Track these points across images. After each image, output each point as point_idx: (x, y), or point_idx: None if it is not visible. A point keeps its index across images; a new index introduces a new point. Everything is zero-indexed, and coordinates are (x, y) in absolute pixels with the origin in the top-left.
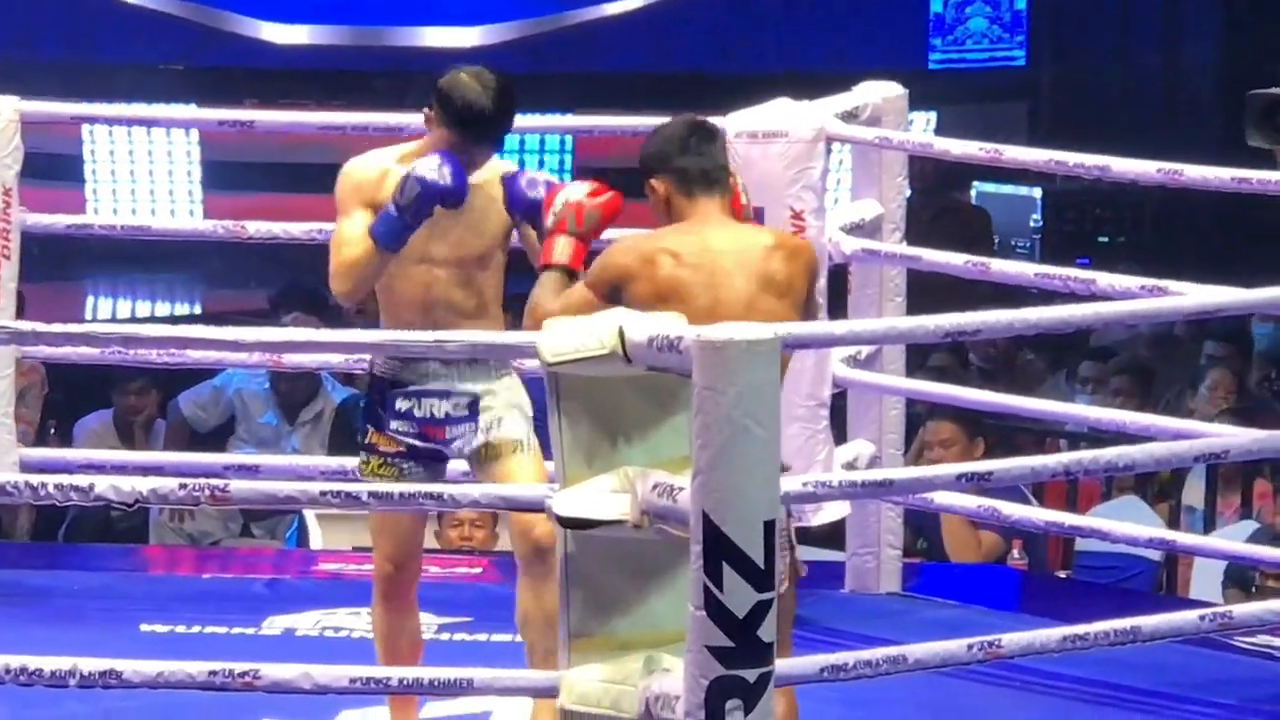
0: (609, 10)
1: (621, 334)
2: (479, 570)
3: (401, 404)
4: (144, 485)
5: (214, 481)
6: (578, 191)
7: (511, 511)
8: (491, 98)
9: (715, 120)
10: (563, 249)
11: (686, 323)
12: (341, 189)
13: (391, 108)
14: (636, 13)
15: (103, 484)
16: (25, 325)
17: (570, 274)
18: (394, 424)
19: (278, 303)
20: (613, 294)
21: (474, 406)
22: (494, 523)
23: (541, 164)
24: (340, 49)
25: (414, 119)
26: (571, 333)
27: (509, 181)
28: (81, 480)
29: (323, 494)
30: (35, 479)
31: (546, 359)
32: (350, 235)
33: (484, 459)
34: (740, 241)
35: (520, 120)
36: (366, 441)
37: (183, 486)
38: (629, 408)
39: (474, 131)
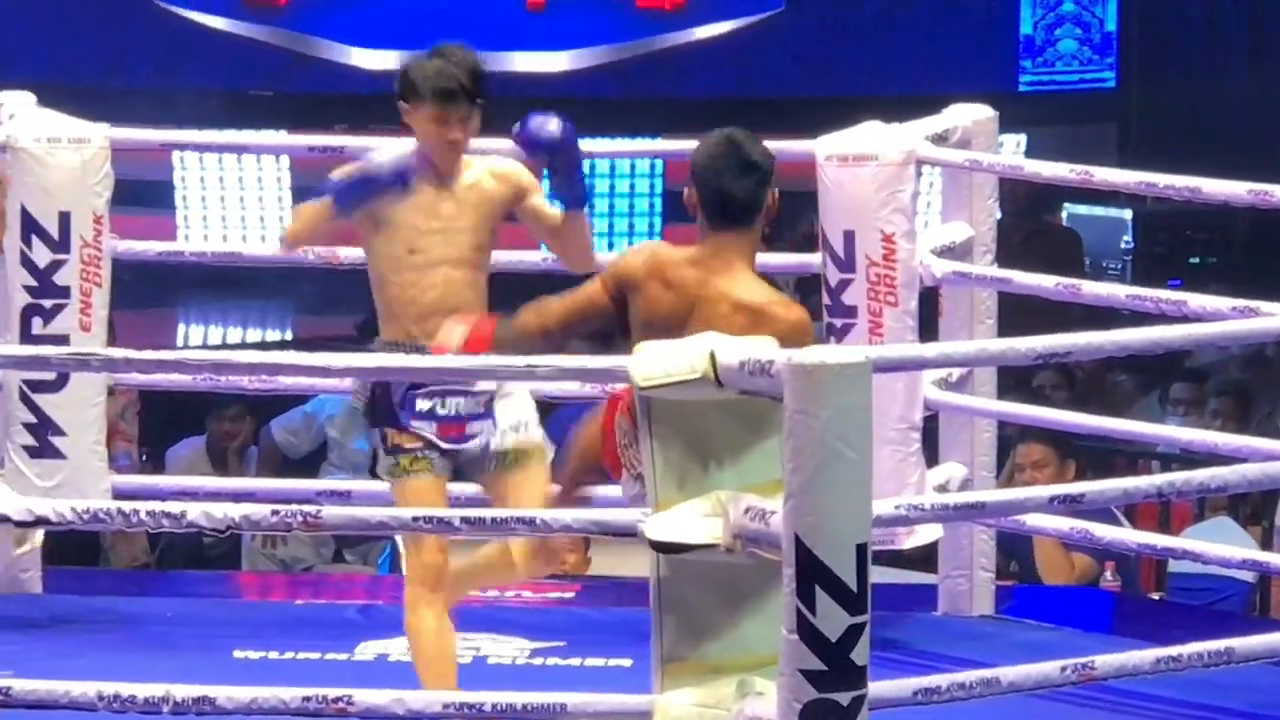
0: (698, 34)
1: (713, 358)
2: (571, 595)
3: (423, 404)
4: (236, 512)
5: (306, 508)
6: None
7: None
8: (453, 60)
9: (805, 144)
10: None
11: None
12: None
13: (480, 132)
14: (725, 37)
15: (195, 511)
16: (118, 353)
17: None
18: (415, 424)
19: (366, 329)
20: (618, 293)
21: (490, 403)
22: (586, 547)
23: (633, 188)
24: None
25: (502, 143)
26: (662, 357)
27: (522, 126)
28: (174, 507)
29: (415, 519)
30: (128, 506)
31: (638, 383)
32: (310, 209)
33: (511, 463)
34: (721, 290)
35: (610, 145)
36: (390, 445)
37: (275, 513)
38: (720, 431)
39: (454, 96)
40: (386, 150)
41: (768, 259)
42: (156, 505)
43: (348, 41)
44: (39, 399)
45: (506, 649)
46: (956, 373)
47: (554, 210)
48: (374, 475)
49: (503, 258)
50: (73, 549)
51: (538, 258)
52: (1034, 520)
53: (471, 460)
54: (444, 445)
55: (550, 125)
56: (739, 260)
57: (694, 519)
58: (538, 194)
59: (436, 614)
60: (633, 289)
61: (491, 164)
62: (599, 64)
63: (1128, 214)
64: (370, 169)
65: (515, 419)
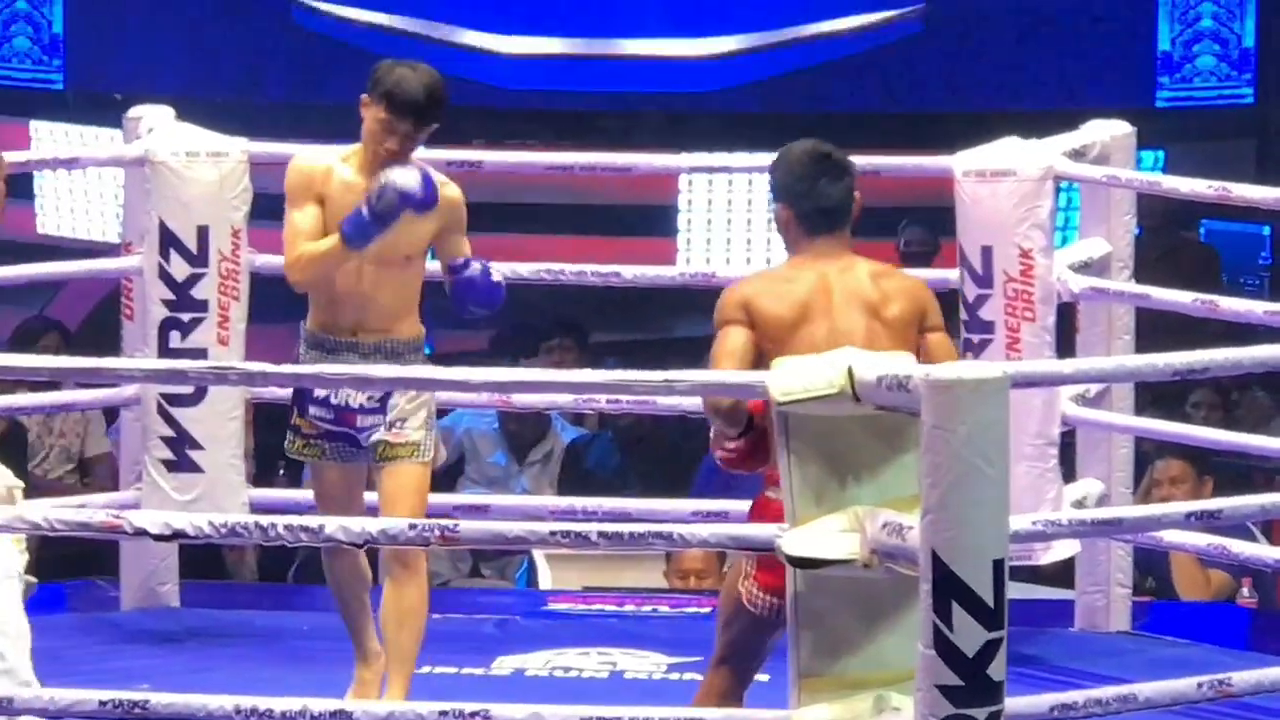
0: (839, 25)
1: (850, 373)
2: (709, 609)
3: (320, 391)
4: (373, 526)
5: (444, 522)
6: None
7: None
8: (421, 79)
9: (943, 160)
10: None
11: (809, 344)
12: (291, 182)
13: (619, 147)
14: (865, 53)
15: (332, 525)
16: (255, 366)
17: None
18: (312, 410)
19: (500, 343)
20: (748, 316)
21: (385, 400)
22: (722, 563)
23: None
24: (570, 94)
25: (641, 158)
26: (800, 372)
27: (465, 285)
28: (311, 521)
29: (552, 534)
30: (265, 520)
31: (776, 399)
32: (305, 226)
33: (380, 457)
34: (851, 272)
35: (752, 159)
36: (292, 422)
37: (412, 527)
38: (858, 446)
39: (401, 108)
40: (408, 177)
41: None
42: (294, 519)
43: (482, 29)
44: (177, 413)
45: (643, 664)
46: (1094, 388)
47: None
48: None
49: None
50: (197, 562)
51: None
52: (1171, 536)
53: (349, 450)
54: (336, 431)
55: (498, 293)
56: (845, 255)
57: (831, 534)
58: (460, 236)
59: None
60: (754, 300)
61: (440, 179)
62: (735, 50)
63: (1265, 230)
64: (407, 200)
65: (397, 415)
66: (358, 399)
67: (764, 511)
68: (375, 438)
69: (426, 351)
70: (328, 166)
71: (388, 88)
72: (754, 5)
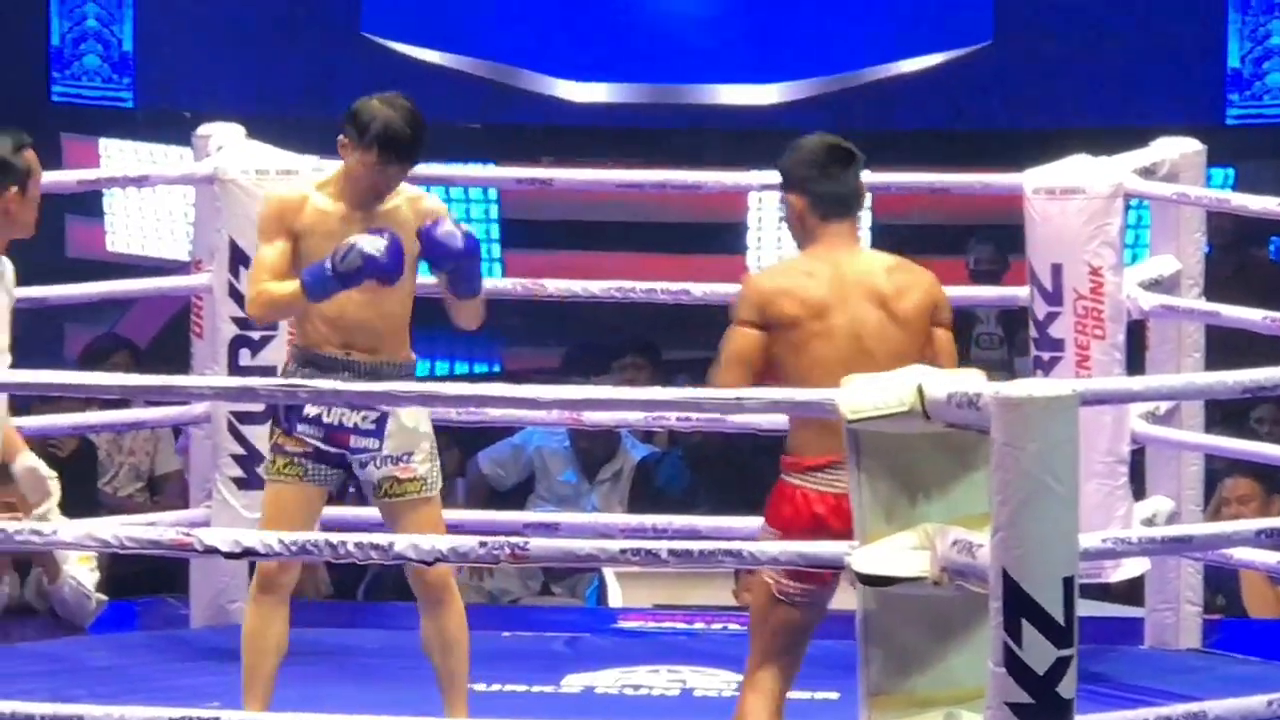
0: (905, 68)
1: (920, 391)
2: None
3: (311, 409)
4: (444, 544)
5: (514, 539)
6: None
7: None
8: (406, 120)
9: (1012, 177)
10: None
11: (825, 340)
12: (264, 215)
13: (689, 165)
14: (933, 70)
15: (402, 543)
16: (326, 384)
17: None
18: (301, 427)
19: (571, 361)
20: (761, 318)
21: (381, 422)
22: None
23: None
24: (637, 106)
25: (710, 176)
26: (870, 389)
27: (426, 233)
28: (381, 539)
29: (623, 552)
30: (335, 537)
31: (846, 416)
32: (270, 262)
33: (388, 494)
34: (867, 264)
35: None
36: (273, 442)
37: (482, 545)
38: (928, 464)
39: (390, 153)
40: (376, 245)
41: (976, 292)
42: (364, 537)
43: (556, 74)
44: (247, 431)
45: (713, 681)
46: (1164, 406)
47: None
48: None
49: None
50: None
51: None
52: (1241, 554)
53: (363, 482)
54: (326, 450)
55: (455, 240)
56: (857, 245)
57: (901, 552)
58: None
59: (260, 605)
60: (771, 301)
61: (411, 194)
62: (807, 96)
63: None
64: (370, 268)
65: (401, 448)
66: (353, 419)
67: (782, 497)
68: (382, 473)
69: (496, 369)
70: (302, 197)
71: (376, 134)
72: (821, 49)
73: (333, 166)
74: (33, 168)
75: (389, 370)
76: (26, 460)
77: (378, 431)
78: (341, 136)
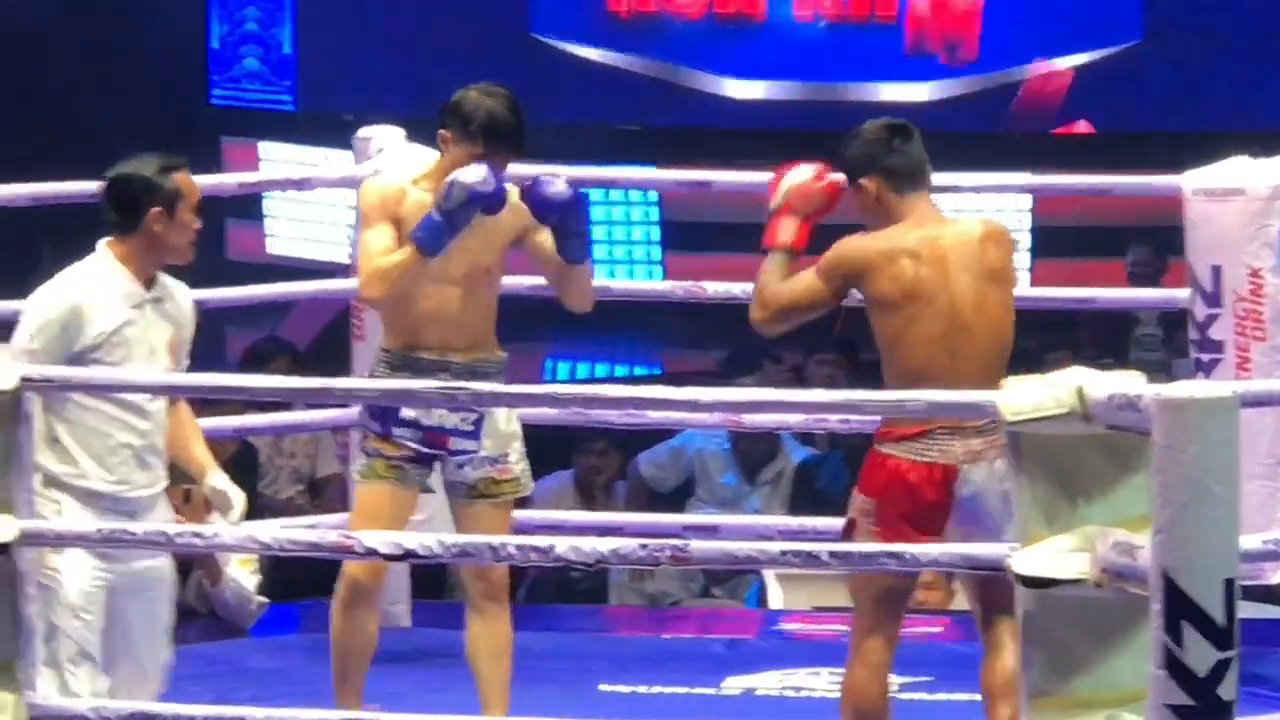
0: (1061, 67)
1: (1081, 393)
2: (939, 629)
3: (408, 411)
4: (605, 546)
5: (674, 542)
6: (804, 175)
7: None
8: (509, 107)
9: (1171, 179)
10: (788, 229)
11: (926, 321)
12: (366, 202)
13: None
14: (1087, 69)
15: (563, 545)
16: (486, 387)
17: (791, 254)
18: (398, 431)
19: (731, 363)
20: (843, 286)
21: (479, 423)
22: (949, 583)
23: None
24: (796, 105)
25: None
26: (1030, 391)
27: (532, 187)
28: (542, 541)
29: (783, 554)
30: (495, 539)
31: (1006, 418)
32: (379, 245)
33: (482, 494)
34: (959, 236)
35: (979, 178)
36: (368, 447)
37: (643, 547)
38: (1088, 466)
39: (498, 143)
40: (476, 174)
41: (1135, 293)
42: (525, 539)
43: (720, 72)
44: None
45: None
46: None
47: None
48: None
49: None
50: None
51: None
52: None
53: (453, 482)
54: (424, 452)
55: (559, 187)
56: (940, 214)
57: (1062, 554)
58: (544, 230)
59: (349, 615)
60: (867, 275)
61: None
62: (962, 94)
63: None
64: (476, 196)
65: (498, 449)
66: (453, 420)
67: (875, 465)
68: (479, 474)
69: (656, 372)
70: (401, 188)
71: (481, 123)
72: (980, 49)
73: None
74: (182, 190)
75: (486, 367)
76: (215, 480)
77: (475, 433)
78: (443, 130)
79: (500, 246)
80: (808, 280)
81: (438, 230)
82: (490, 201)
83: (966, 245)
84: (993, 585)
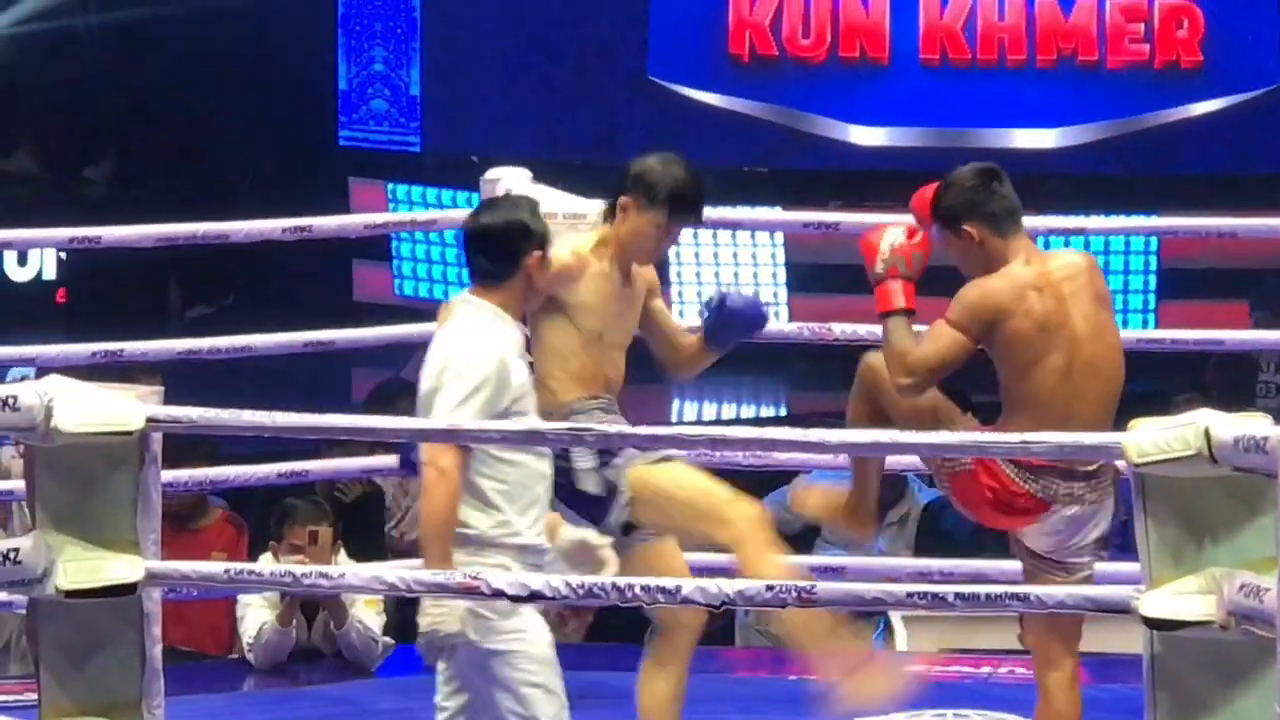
0: (1193, 111)
1: (1207, 434)
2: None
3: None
4: (730, 587)
5: (801, 583)
6: (898, 236)
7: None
8: (694, 178)
9: None
10: (899, 293)
11: (1054, 354)
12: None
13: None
14: (1219, 113)
15: (689, 586)
16: (612, 428)
17: (910, 316)
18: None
19: None
20: (983, 333)
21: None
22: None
23: (1127, 266)
24: (923, 150)
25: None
26: (1156, 433)
27: (734, 305)
28: (669, 582)
29: (909, 595)
30: (622, 581)
31: (1133, 459)
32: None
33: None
34: (1068, 267)
35: (1103, 222)
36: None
37: (770, 588)
38: (1215, 508)
39: (683, 213)
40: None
41: (1256, 335)
42: (652, 580)
43: (844, 118)
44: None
45: None
46: None
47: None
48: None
49: None
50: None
51: None
52: None
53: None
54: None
55: (758, 311)
56: (1035, 246)
57: (1188, 596)
58: (659, 295)
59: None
60: (1004, 318)
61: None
62: (1090, 140)
63: None
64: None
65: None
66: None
67: (983, 472)
68: (625, 517)
69: (782, 413)
70: (593, 264)
71: (670, 193)
72: (1106, 95)
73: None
74: (549, 231)
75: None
76: (571, 533)
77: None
78: (625, 198)
79: (640, 312)
80: (949, 336)
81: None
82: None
83: (1078, 275)
84: (1064, 624)
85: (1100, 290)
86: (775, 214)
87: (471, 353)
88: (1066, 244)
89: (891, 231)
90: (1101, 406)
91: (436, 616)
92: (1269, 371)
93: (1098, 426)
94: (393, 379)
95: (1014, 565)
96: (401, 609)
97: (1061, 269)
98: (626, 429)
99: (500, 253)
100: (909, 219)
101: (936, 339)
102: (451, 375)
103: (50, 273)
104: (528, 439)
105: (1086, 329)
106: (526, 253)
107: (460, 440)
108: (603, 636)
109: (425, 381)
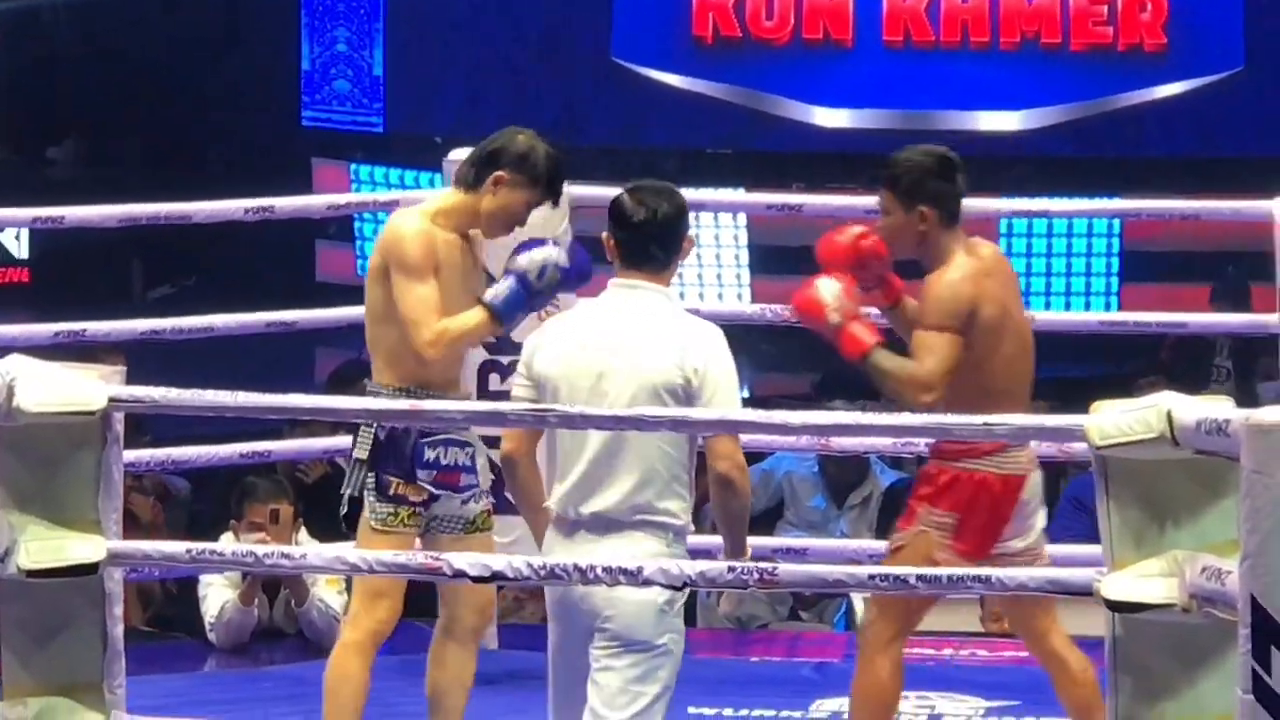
0: (1156, 94)
1: (1169, 417)
2: (1025, 653)
3: (429, 453)
4: (692, 569)
5: (763, 565)
6: (834, 285)
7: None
8: (559, 156)
9: (1263, 203)
10: (866, 331)
11: (1007, 341)
12: (416, 252)
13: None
14: (1183, 96)
15: (651, 567)
16: (574, 409)
17: (884, 344)
18: (421, 473)
19: (822, 388)
20: (967, 325)
21: (474, 458)
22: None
23: (1089, 248)
24: (887, 132)
25: (963, 202)
26: (1118, 416)
27: (524, 245)
28: (630, 563)
29: (871, 578)
30: (584, 561)
31: (1095, 442)
32: (435, 301)
33: (479, 527)
34: (1000, 258)
35: (1066, 204)
36: (393, 493)
37: (731, 570)
38: (1177, 490)
39: (556, 194)
40: (558, 253)
41: (1218, 319)
42: (611, 562)
43: (808, 100)
44: (496, 455)
45: (961, 708)
46: None
47: None
48: (350, 526)
49: None
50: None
51: None
52: None
53: (450, 517)
54: (438, 494)
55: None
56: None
57: (1150, 578)
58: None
59: (363, 667)
60: (977, 307)
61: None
62: (1055, 123)
63: None
64: (571, 279)
65: (485, 481)
66: (462, 458)
67: (956, 481)
68: (480, 507)
69: (745, 395)
70: (432, 230)
71: (547, 171)
72: (1070, 78)
73: (597, 192)
74: None
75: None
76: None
77: (473, 466)
78: (502, 173)
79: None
80: (943, 341)
81: (521, 307)
82: (580, 278)
83: (1003, 263)
84: (1034, 603)
85: (1015, 277)
86: (738, 196)
87: (724, 343)
88: (1029, 226)
89: (824, 284)
90: (1029, 394)
91: None
92: (1221, 355)
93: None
94: (354, 360)
95: None
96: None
97: (992, 257)
98: (591, 411)
99: (674, 240)
100: (871, 200)
101: (933, 350)
102: (723, 370)
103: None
104: (490, 419)
105: (1020, 316)
106: (685, 239)
107: (419, 420)
108: None
109: (671, 373)
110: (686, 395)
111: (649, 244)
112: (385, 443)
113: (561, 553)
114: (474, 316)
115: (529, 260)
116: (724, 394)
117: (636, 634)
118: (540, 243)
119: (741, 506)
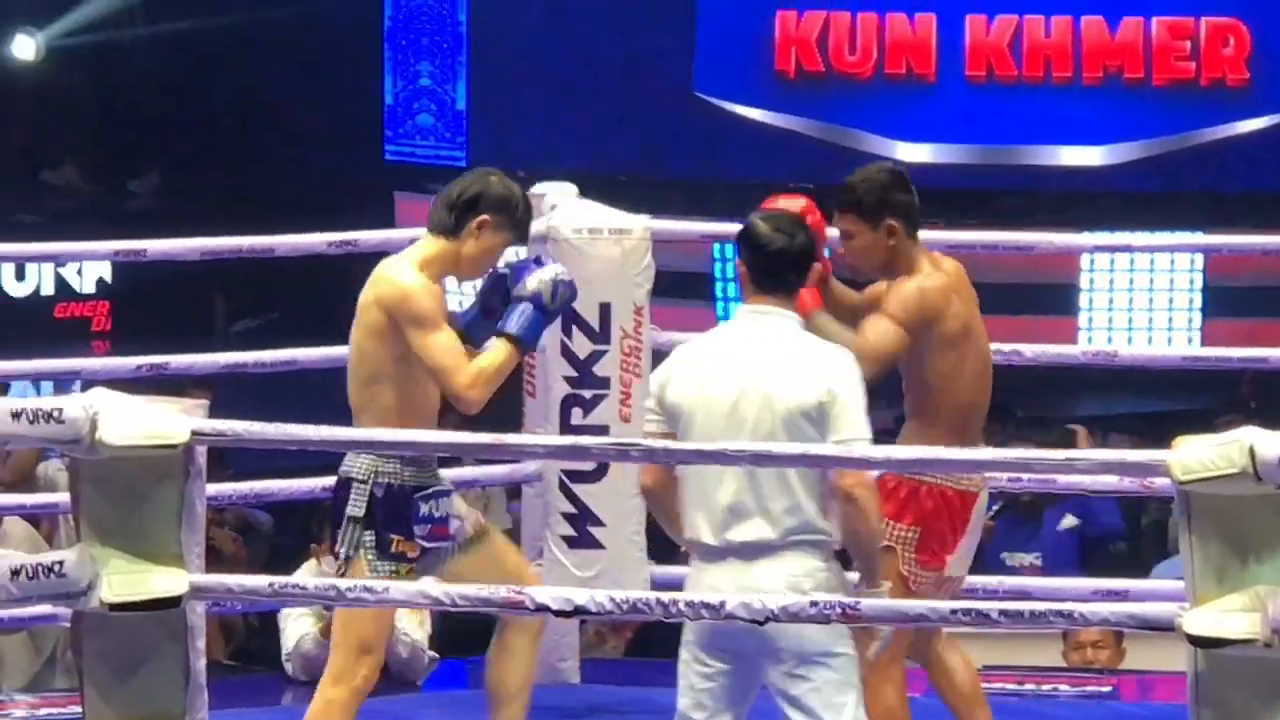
0: (1239, 128)
1: (1252, 452)
2: (1108, 689)
3: (424, 507)
4: (775, 603)
5: (845, 599)
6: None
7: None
8: (529, 199)
9: None
10: (808, 297)
11: (972, 357)
12: (427, 305)
13: (1018, 225)
14: (1266, 131)
15: (734, 602)
16: (658, 443)
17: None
18: (418, 528)
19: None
20: (921, 329)
21: (453, 497)
22: (1118, 641)
23: (1172, 283)
24: (969, 167)
25: (1043, 237)
26: (1201, 452)
27: (520, 268)
28: (713, 598)
29: (953, 612)
30: (666, 596)
31: (1178, 477)
32: (460, 347)
33: (470, 545)
34: (962, 273)
35: (1149, 238)
36: (394, 551)
37: (814, 604)
38: (1260, 525)
39: (526, 231)
40: (560, 269)
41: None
42: (694, 595)
43: (890, 135)
44: (578, 489)
45: None
46: None
47: None
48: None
49: None
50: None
51: None
52: None
53: (435, 559)
54: (428, 547)
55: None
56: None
57: (1232, 613)
58: None
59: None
60: (937, 320)
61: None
62: (1138, 158)
63: None
64: (574, 295)
65: (462, 506)
66: (447, 506)
67: (918, 495)
68: (464, 530)
69: None
70: (430, 283)
71: (523, 214)
72: (1152, 112)
73: (677, 226)
74: None
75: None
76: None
77: (454, 510)
78: (485, 217)
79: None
80: (892, 330)
81: (540, 331)
82: (574, 296)
83: (966, 280)
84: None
85: (974, 293)
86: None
87: (855, 365)
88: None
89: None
90: (984, 414)
91: None
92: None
93: (980, 435)
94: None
95: (1057, 583)
96: (447, 623)
97: (956, 272)
98: (671, 445)
99: (808, 267)
100: (955, 235)
101: (881, 334)
102: (853, 393)
103: (48, 288)
104: (573, 453)
105: (982, 331)
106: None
107: (502, 454)
108: (642, 652)
109: (805, 397)
110: (820, 416)
111: (786, 270)
112: (384, 500)
113: (714, 580)
114: (501, 351)
115: (539, 283)
116: (852, 414)
117: (819, 645)
118: (536, 264)
119: (871, 528)
